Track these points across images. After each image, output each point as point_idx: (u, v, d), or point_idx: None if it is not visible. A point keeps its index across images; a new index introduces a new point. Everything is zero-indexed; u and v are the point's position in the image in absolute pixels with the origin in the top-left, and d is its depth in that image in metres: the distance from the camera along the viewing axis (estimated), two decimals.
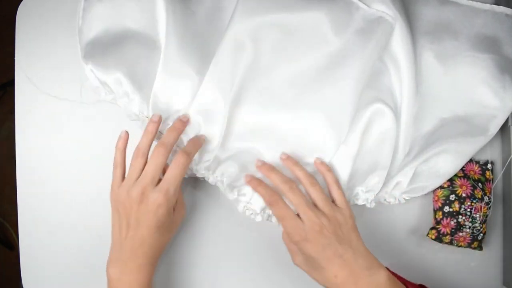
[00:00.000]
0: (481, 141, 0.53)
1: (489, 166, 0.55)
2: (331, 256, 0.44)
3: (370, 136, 0.52)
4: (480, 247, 0.54)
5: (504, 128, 0.56)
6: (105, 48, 0.53)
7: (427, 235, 0.53)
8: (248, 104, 0.52)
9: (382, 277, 0.44)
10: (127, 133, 0.50)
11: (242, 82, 0.51)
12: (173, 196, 0.47)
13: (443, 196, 0.53)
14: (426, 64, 0.54)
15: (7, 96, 1.31)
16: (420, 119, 0.54)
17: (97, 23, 0.53)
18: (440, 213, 0.53)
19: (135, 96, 0.52)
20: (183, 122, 0.50)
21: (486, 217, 0.52)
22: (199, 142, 0.50)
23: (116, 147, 0.49)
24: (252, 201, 0.52)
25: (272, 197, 0.48)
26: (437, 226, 0.53)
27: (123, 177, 0.48)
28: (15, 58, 0.59)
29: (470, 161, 0.55)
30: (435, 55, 0.54)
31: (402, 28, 0.51)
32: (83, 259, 0.56)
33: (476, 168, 0.55)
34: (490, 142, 0.56)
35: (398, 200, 0.54)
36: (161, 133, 0.52)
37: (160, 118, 0.50)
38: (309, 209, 0.46)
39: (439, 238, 0.53)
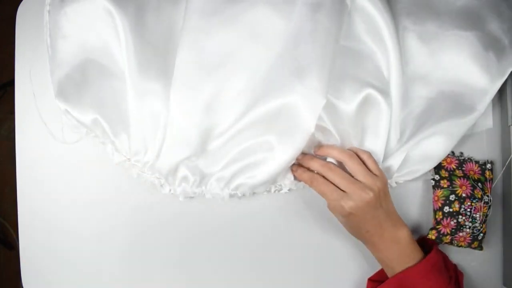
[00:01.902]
0: (471, 120, 0.53)
1: (488, 166, 0.55)
2: (370, 218, 0.48)
3: (364, 123, 0.52)
4: (480, 247, 0.54)
5: (504, 128, 0.56)
6: (77, 86, 0.53)
7: (427, 235, 0.53)
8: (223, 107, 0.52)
9: (403, 234, 0.49)
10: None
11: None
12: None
13: (443, 196, 0.53)
14: (410, 45, 0.54)
15: (7, 96, 1.31)
16: (408, 101, 0.54)
17: (65, 60, 0.53)
18: (440, 213, 0.53)
19: (115, 139, 0.53)
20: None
21: (486, 217, 0.52)
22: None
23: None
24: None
25: (313, 177, 0.50)
26: (437, 227, 0.53)
27: None
28: (15, 58, 0.59)
29: (470, 161, 0.55)
30: (418, 36, 0.54)
31: (385, 12, 0.52)
32: (83, 259, 0.56)
33: (475, 168, 0.55)
34: (490, 142, 0.56)
35: (390, 184, 0.54)
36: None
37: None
38: (351, 183, 0.48)
39: (439, 238, 0.53)
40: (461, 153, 0.57)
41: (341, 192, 0.48)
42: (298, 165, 0.53)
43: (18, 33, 0.59)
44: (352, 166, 0.49)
